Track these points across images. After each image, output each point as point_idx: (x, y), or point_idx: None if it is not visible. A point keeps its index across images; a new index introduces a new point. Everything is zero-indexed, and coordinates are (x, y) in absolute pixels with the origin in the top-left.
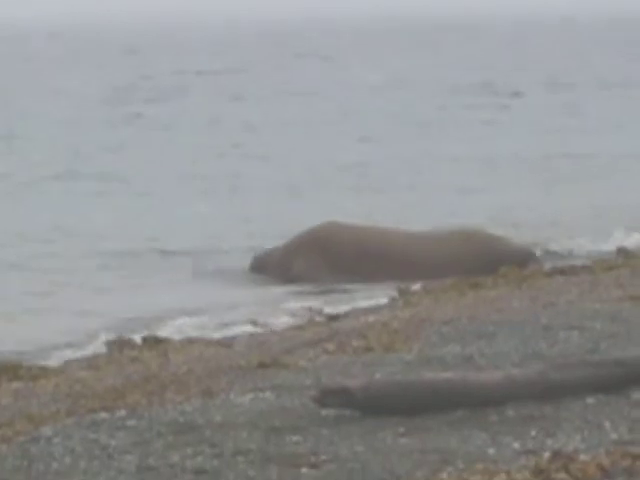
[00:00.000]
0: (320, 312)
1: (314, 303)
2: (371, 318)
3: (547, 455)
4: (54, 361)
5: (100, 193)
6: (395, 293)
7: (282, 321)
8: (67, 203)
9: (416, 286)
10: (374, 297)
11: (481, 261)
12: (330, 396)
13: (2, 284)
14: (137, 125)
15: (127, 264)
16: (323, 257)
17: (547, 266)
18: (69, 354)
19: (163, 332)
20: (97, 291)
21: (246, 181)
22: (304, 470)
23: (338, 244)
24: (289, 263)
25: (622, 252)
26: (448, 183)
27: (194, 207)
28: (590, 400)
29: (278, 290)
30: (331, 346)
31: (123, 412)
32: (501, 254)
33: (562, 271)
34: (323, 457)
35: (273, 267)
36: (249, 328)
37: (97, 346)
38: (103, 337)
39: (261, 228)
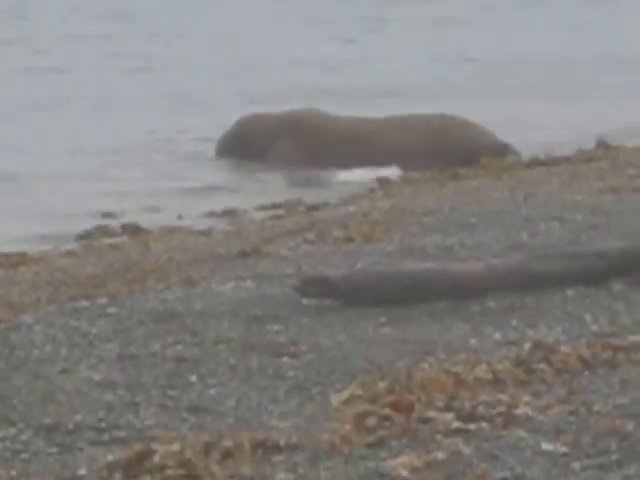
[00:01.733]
0: (299, 201)
1: (293, 191)
2: (351, 208)
3: (528, 346)
4: (34, 249)
5: None
6: (374, 183)
7: (261, 210)
8: None
9: (395, 176)
10: (353, 186)
11: (458, 150)
12: (311, 285)
13: None
14: None
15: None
16: (303, 142)
17: (526, 157)
18: (48, 242)
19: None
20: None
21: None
22: (285, 359)
23: (319, 130)
24: (266, 146)
25: (602, 144)
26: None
27: None
28: (571, 292)
29: (255, 176)
30: (311, 235)
31: (104, 300)
32: (479, 144)
33: (542, 162)
34: (304, 346)
35: (245, 150)
36: (228, 217)
37: (76, 234)
38: (82, 225)
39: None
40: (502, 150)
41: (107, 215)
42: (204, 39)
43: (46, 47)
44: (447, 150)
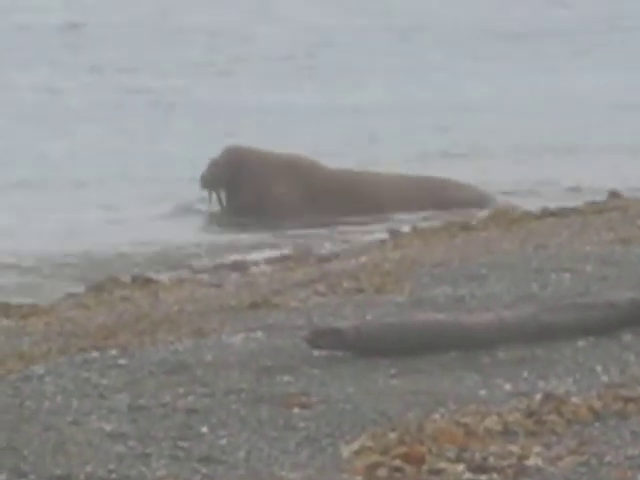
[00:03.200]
0: (309, 252)
1: (300, 243)
2: (362, 259)
3: (539, 397)
4: (44, 300)
5: None
6: (384, 234)
7: (270, 261)
8: None
9: (406, 227)
10: (361, 238)
11: (444, 204)
12: (321, 337)
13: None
14: None
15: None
16: (302, 189)
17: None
18: (59, 293)
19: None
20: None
21: None
22: (296, 410)
23: (319, 178)
24: (261, 191)
25: (613, 195)
26: None
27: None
28: (581, 343)
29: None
30: (322, 287)
31: (114, 351)
32: (461, 197)
33: (552, 213)
34: (314, 398)
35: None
36: (238, 268)
37: (86, 285)
38: (92, 277)
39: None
40: (483, 201)
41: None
42: None
43: None
44: (435, 204)
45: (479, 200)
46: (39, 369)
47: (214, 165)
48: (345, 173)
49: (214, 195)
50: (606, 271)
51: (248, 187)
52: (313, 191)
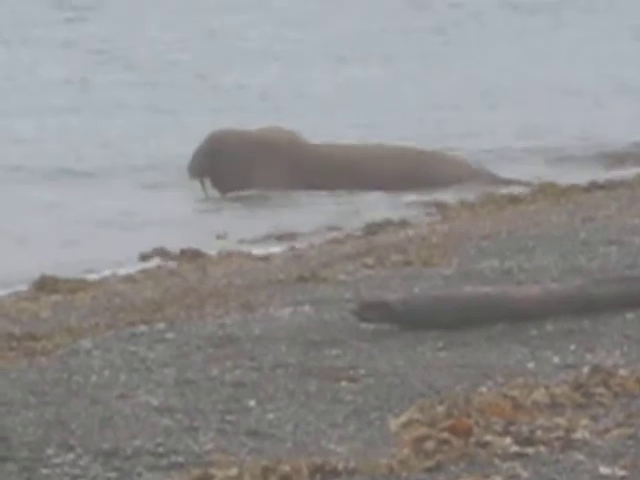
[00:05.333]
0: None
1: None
2: (409, 232)
3: (586, 370)
4: (92, 275)
5: None
6: (432, 207)
7: (319, 234)
8: None
9: (454, 200)
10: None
11: (435, 178)
12: (369, 310)
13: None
14: None
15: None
16: (285, 168)
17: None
18: (106, 268)
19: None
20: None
21: None
22: (343, 384)
23: (302, 155)
24: (244, 174)
25: None
26: None
27: None
28: (629, 315)
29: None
30: (370, 260)
31: (162, 325)
32: (455, 172)
33: (600, 186)
34: (362, 371)
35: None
36: (286, 241)
37: (134, 259)
38: (139, 251)
39: None
40: (478, 177)
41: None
42: None
43: None
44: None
45: (471, 174)
46: (87, 343)
47: (197, 154)
48: (329, 147)
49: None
50: None
51: (232, 172)
52: (298, 169)
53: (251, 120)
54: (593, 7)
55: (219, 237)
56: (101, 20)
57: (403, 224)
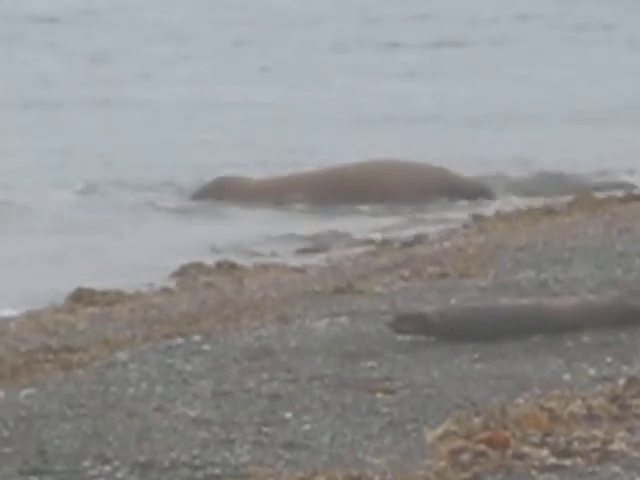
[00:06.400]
0: (394, 238)
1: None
2: (446, 244)
3: (622, 381)
4: (129, 287)
5: None
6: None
7: (355, 246)
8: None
9: (489, 212)
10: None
11: (435, 193)
12: (405, 322)
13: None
14: None
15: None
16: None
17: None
18: (143, 281)
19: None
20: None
21: None
22: (379, 395)
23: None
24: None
25: None
26: None
27: None
28: None
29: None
30: (406, 272)
31: (198, 337)
32: (455, 187)
33: (637, 197)
34: (398, 383)
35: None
36: (322, 253)
37: (171, 272)
38: (177, 263)
39: None
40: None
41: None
42: None
43: None
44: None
45: (479, 191)
46: (123, 355)
47: (201, 192)
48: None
49: None
50: None
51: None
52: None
53: None
54: None
55: (214, 250)
56: None
57: (440, 236)
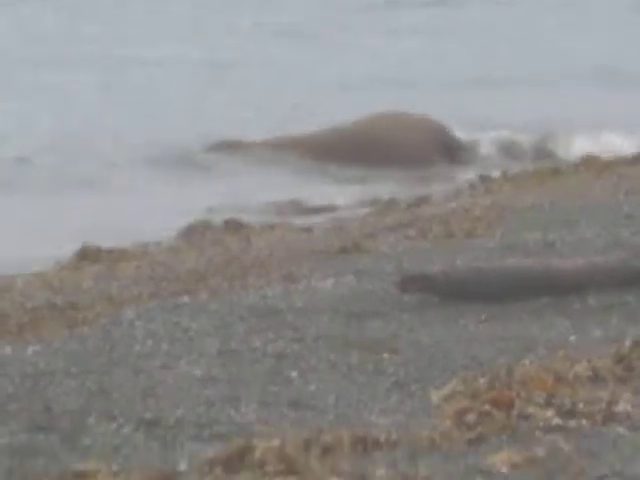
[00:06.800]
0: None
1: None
2: (452, 204)
3: (628, 343)
4: (135, 245)
5: None
6: (475, 180)
7: (361, 206)
8: None
9: (496, 173)
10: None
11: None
12: (412, 282)
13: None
14: None
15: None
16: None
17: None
18: (150, 238)
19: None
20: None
21: None
22: (385, 356)
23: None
24: None
25: None
26: None
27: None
28: None
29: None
30: (412, 232)
31: (205, 295)
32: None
33: None
34: (404, 342)
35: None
36: (328, 213)
37: (177, 230)
38: (183, 221)
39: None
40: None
41: (209, 211)
42: None
43: None
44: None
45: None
46: (129, 313)
47: (207, 152)
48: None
49: None
50: None
51: None
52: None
53: None
54: None
55: (210, 210)
56: None
57: (446, 197)
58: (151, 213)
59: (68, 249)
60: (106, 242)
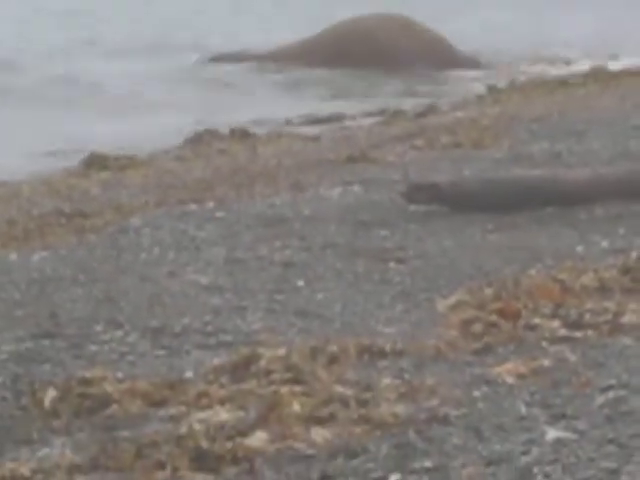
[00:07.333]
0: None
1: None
2: (459, 114)
3: (635, 254)
4: (142, 153)
5: None
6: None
7: (368, 115)
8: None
9: (503, 83)
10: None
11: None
12: (418, 192)
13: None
14: None
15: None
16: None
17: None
18: (157, 146)
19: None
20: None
21: None
22: (392, 264)
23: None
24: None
25: None
26: None
27: None
28: None
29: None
30: (419, 142)
31: (212, 204)
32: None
33: None
34: (410, 252)
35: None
36: (335, 122)
37: (184, 138)
38: (190, 129)
39: None
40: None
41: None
42: None
43: None
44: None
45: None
46: (136, 221)
47: (216, 59)
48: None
49: None
50: None
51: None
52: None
53: None
54: None
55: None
56: None
57: (453, 107)
58: (155, 123)
59: (75, 158)
60: (114, 149)
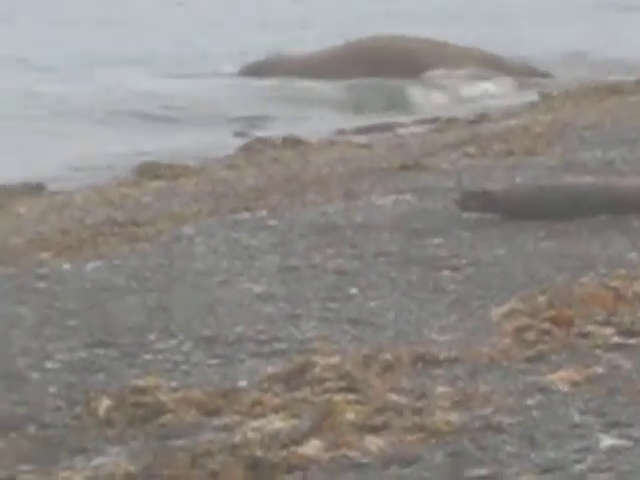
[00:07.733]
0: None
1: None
2: (512, 122)
3: None
4: (195, 161)
5: None
6: (536, 97)
7: (420, 123)
8: None
9: (557, 90)
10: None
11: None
12: (472, 199)
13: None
14: None
15: None
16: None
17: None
18: (209, 154)
19: (301, 134)
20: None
21: None
22: (445, 273)
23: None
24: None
25: None
26: None
27: None
28: None
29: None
30: (472, 149)
31: (264, 212)
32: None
33: None
34: (464, 260)
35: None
36: (388, 130)
37: (237, 147)
38: (243, 138)
39: None
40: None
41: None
42: None
43: None
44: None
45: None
46: (189, 230)
47: (253, 67)
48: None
49: None
50: None
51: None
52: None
53: None
54: None
55: (237, 134)
56: None
57: (506, 114)
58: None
59: (127, 165)
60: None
